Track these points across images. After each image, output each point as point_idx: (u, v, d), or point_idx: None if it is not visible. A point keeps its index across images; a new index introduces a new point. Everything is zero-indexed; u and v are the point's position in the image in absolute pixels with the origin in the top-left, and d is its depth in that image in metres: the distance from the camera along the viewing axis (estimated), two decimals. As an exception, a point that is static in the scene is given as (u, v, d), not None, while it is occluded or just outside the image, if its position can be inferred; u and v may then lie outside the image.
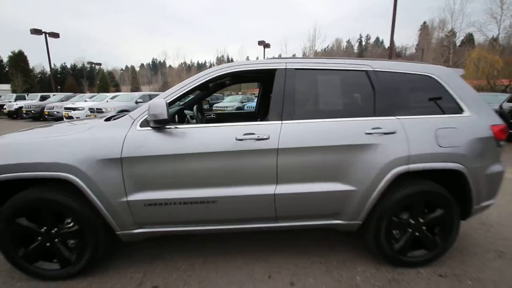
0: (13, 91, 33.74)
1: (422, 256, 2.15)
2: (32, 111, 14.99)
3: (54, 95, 18.21)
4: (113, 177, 1.83)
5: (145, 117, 1.90)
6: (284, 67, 2.05)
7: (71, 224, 1.91)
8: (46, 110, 14.00)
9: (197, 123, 2.60)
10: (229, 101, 16.82)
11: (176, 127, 1.92)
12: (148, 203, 1.88)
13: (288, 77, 2.03)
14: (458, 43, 36.23)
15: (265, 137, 1.89)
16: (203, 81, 2.03)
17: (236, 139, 1.88)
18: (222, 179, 1.91)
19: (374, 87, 2.05)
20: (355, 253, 2.35)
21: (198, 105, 3.06)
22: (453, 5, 35.72)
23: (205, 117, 3.29)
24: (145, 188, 1.88)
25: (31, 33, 19.89)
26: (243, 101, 16.90)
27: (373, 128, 1.95)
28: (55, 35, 20.80)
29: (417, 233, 2.10)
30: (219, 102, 16.61)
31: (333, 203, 2.01)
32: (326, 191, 1.96)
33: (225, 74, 2.05)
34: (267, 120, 2.00)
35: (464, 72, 2.32)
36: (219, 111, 14.45)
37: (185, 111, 2.94)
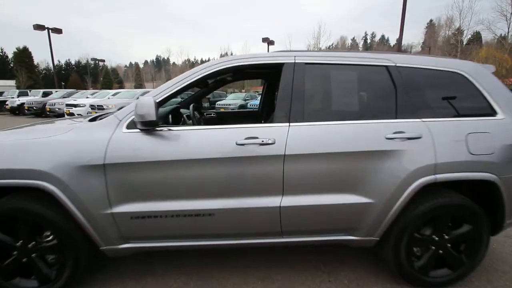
0: (18, 87, 33.88)
1: (445, 276, 1.90)
2: (34, 107, 14.94)
3: (56, 91, 18.20)
4: (95, 186, 1.60)
5: (132, 118, 1.66)
6: (293, 61, 1.80)
7: (50, 238, 1.69)
8: (47, 107, 13.96)
9: (193, 123, 2.37)
10: (232, 99, 16.56)
11: (169, 129, 1.69)
12: (136, 216, 1.65)
13: (297, 72, 1.77)
14: (465, 42, 35.58)
15: (270, 141, 1.64)
16: (200, 76, 1.78)
17: (237, 144, 1.64)
18: (220, 189, 1.67)
19: (395, 85, 1.79)
20: (369, 270, 2.10)
21: (196, 103, 2.82)
22: (461, 2, 35.04)
23: (203, 117, 3.02)
24: (132, 199, 1.65)
25: (34, 28, 19.88)
26: (246, 98, 16.63)
27: (395, 132, 1.70)
28: (58, 30, 20.74)
29: (440, 251, 1.85)
30: (221, 100, 16.36)
31: (347, 217, 1.76)
32: (339, 204, 1.71)
33: (225, 69, 1.80)
34: (272, 122, 1.76)
35: (495, 68, 2.06)
36: (222, 109, 14.31)
37: (182, 110, 2.69)
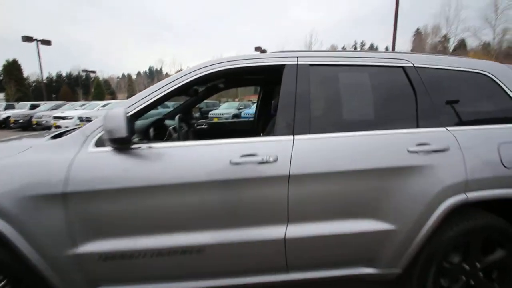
0: (7, 100, 33.21)
1: None
2: (20, 121, 14.49)
3: (44, 103, 17.70)
4: (55, 220, 1.28)
5: (102, 133, 1.36)
6: (295, 62, 1.53)
7: (2, 284, 1.36)
8: (34, 119, 13.53)
9: (179, 138, 2.05)
10: (225, 108, 16.33)
11: (149, 147, 1.38)
12: (107, 256, 1.33)
13: (300, 75, 1.51)
14: (451, 49, 36.60)
15: (271, 159, 1.35)
16: (185, 82, 1.48)
17: (231, 163, 1.34)
18: (211, 219, 1.37)
19: (415, 88, 1.54)
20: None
21: (183, 114, 2.52)
22: (448, 11, 36.13)
23: (192, 129, 2.67)
24: (102, 235, 1.33)
25: (23, 40, 19.53)
26: (240, 108, 16.44)
27: (419, 144, 1.44)
28: (47, 42, 20.40)
29: (472, 281, 1.57)
30: (215, 109, 16.11)
31: (365, 247, 1.47)
32: (355, 232, 1.43)
33: (215, 73, 1.52)
34: (271, 134, 1.48)
35: None
36: (215, 119, 14.00)
37: (168, 122, 2.38)
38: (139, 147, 1.36)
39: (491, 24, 26.95)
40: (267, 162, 1.35)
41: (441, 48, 35.17)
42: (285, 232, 1.40)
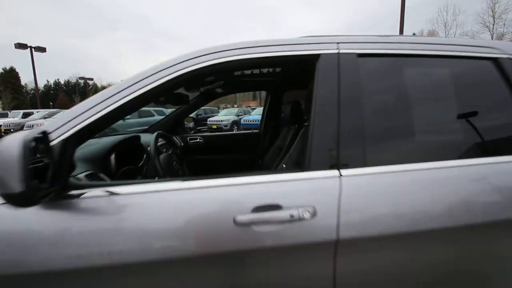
0: (2, 108, 32.93)
1: None
2: (12, 130, 14.11)
3: (38, 111, 17.24)
4: None
5: None
6: (336, 50, 0.96)
7: None
8: (25, 128, 13.05)
9: (155, 169, 1.32)
10: (224, 115, 15.73)
11: (109, 192, 0.81)
12: None
13: (344, 71, 0.94)
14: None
15: (305, 214, 0.79)
16: (161, 82, 0.88)
17: (237, 223, 0.78)
18: None
19: None
20: None
21: (167, 130, 1.90)
22: (445, 15, 36.12)
23: (178, 151, 1.87)
24: None
25: (16, 47, 19.03)
26: (239, 114, 15.88)
27: None
28: (42, 49, 19.94)
29: None
30: (213, 116, 15.53)
31: None
32: None
33: (208, 67, 0.93)
34: (302, 167, 0.92)
35: None
36: (214, 126, 13.36)
37: (146, 139, 1.70)
38: (82, 194, 0.80)
39: (489, 28, 26.87)
40: (299, 219, 0.79)
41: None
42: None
